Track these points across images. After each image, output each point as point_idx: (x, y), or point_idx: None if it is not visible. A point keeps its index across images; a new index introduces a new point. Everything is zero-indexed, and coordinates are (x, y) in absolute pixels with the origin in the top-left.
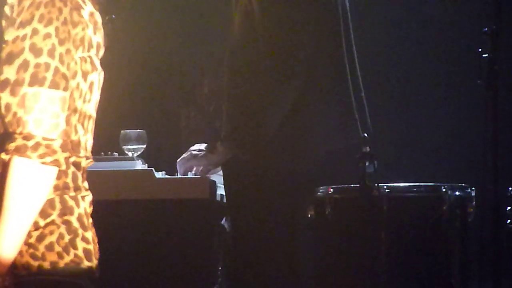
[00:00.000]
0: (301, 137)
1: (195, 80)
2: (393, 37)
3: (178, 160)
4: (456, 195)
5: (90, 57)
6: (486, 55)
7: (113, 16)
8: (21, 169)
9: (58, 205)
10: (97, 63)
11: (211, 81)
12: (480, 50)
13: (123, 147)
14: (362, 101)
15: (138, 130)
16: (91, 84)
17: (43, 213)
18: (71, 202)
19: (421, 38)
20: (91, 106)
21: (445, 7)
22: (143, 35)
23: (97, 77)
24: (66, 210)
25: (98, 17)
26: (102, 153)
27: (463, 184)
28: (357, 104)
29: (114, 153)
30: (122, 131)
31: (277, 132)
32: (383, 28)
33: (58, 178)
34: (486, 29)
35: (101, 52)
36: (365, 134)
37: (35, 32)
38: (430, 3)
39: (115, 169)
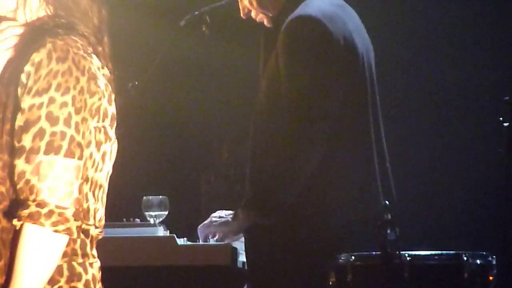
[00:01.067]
0: (322, 204)
1: (215, 145)
2: (414, 106)
3: (199, 227)
4: (477, 263)
5: (104, 127)
6: (507, 124)
7: (136, 82)
8: (33, 236)
9: (66, 272)
10: (111, 133)
11: (231, 146)
12: (501, 118)
13: (145, 213)
14: (387, 171)
15: (160, 196)
16: (104, 154)
17: (51, 280)
18: (79, 269)
19: (443, 105)
20: (102, 176)
21: (466, 75)
22: (163, 101)
23: (110, 147)
24: (73, 277)
25: (111, 88)
26: (124, 219)
27: (484, 253)
28: (381, 173)
29: (136, 219)
30: (144, 197)
31: (299, 199)
32: (399, 97)
33: (67, 245)
34: (507, 97)
35: (115, 122)
36: (387, 202)
37: (51, 100)
38: (451, 69)
39: (137, 235)
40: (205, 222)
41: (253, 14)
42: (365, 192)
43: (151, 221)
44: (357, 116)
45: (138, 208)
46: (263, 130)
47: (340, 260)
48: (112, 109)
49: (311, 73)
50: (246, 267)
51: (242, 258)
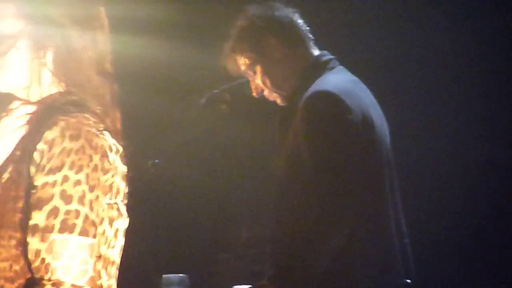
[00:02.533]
0: (343, 281)
1: (234, 225)
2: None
3: None
4: None
5: (116, 203)
6: None
7: (156, 160)
8: None
9: None
10: (123, 209)
11: (250, 226)
12: None
13: None
14: (405, 248)
15: (180, 274)
16: (117, 230)
17: None
18: None
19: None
20: (115, 252)
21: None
22: (182, 179)
23: (122, 223)
24: None
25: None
26: None
27: None
28: (401, 250)
29: None
30: (163, 275)
31: (321, 275)
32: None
33: None
34: None
35: (127, 199)
36: (408, 280)
37: (65, 179)
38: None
39: None
40: None
41: (266, 93)
42: (386, 271)
43: None
44: (375, 192)
45: (158, 286)
46: (285, 208)
47: None
48: (123, 186)
49: (334, 149)
50: None
51: None
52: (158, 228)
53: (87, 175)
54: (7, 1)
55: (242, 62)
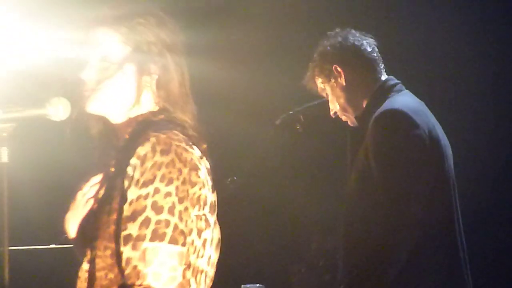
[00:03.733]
0: (421, 269)
1: (305, 236)
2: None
3: None
4: None
5: (204, 215)
6: None
7: (235, 177)
8: None
9: None
10: (211, 220)
11: (320, 237)
12: None
13: None
14: (465, 261)
15: (258, 284)
16: (205, 241)
17: None
18: None
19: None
20: (203, 262)
21: None
22: (259, 195)
23: (210, 234)
24: None
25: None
26: None
27: None
28: (464, 261)
29: None
30: (242, 285)
31: (392, 283)
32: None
33: None
34: None
35: (215, 209)
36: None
37: (156, 191)
38: None
39: None
40: None
41: (339, 113)
42: (453, 281)
43: None
44: (442, 204)
45: None
46: (355, 219)
47: None
48: (212, 197)
49: (403, 162)
50: None
51: None
52: (236, 241)
53: (177, 188)
54: (115, 30)
55: (319, 85)
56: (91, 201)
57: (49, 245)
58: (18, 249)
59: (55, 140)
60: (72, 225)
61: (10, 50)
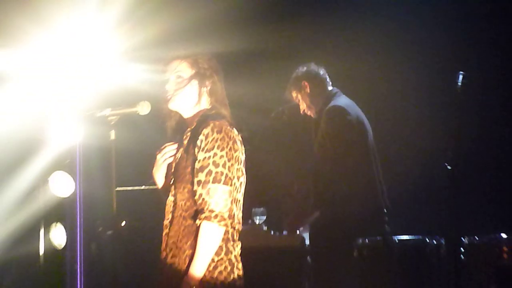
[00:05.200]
0: (358, 206)
1: (289, 181)
2: None
3: (286, 223)
4: (435, 243)
5: (240, 169)
6: None
7: (248, 147)
8: (208, 228)
9: (224, 249)
10: (244, 171)
11: (299, 181)
12: None
13: (254, 217)
14: (383, 191)
15: (261, 209)
16: (241, 183)
17: (216, 253)
18: (231, 248)
19: None
20: (240, 195)
21: None
22: (262, 160)
23: (244, 179)
24: (228, 252)
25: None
26: (250, 221)
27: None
28: (381, 191)
29: (250, 221)
30: (253, 209)
31: (342, 204)
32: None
33: (224, 234)
34: None
35: (245, 164)
36: (385, 210)
37: (215, 154)
38: None
39: (251, 229)
40: (289, 220)
41: (306, 110)
42: (374, 202)
43: (257, 221)
44: (367, 161)
45: (249, 212)
46: (319, 171)
47: (359, 242)
48: (243, 157)
49: (344, 138)
50: (307, 243)
51: (307, 241)
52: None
53: (226, 153)
54: (186, 61)
55: (294, 95)
56: (169, 160)
57: (141, 186)
58: (121, 189)
59: (141, 126)
60: (156, 174)
61: (115, 73)
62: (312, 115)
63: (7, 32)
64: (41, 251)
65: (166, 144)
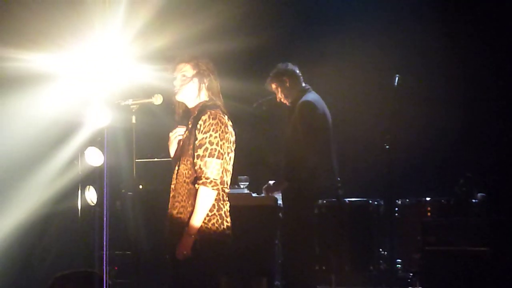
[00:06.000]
0: (313, 180)
1: (269, 156)
2: None
3: (263, 187)
4: (378, 204)
5: (230, 147)
6: None
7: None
8: (204, 192)
9: (216, 206)
10: (233, 148)
11: (274, 156)
12: None
13: (239, 182)
14: (337, 166)
15: (246, 176)
16: (230, 158)
17: (210, 210)
18: (221, 206)
19: None
20: (229, 167)
21: None
22: (248, 140)
23: (232, 154)
24: (219, 209)
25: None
26: (236, 186)
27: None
28: (336, 167)
29: (236, 185)
30: (238, 176)
31: (307, 174)
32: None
33: (217, 195)
34: None
35: (234, 143)
36: (339, 178)
37: (210, 135)
38: None
39: (236, 192)
40: (266, 186)
41: (282, 100)
42: (331, 175)
43: (241, 186)
44: (328, 142)
45: (236, 179)
46: (290, 149)
47: (319, 202)
48: (233, 138)
49: (311, 126)
50: (279, 202)
51: (279, 201)
52: (238, 157)
53: (219, 134)
54: (189, 63)
55: (274, 87)
56: (179, 137)
57: (155, 158)
58: (139, 161)
59: (156, 113)
60: (170, 148)
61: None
62: (287, 103)
63: (52, 40)
64: (79, 207)
65: (177, 126)
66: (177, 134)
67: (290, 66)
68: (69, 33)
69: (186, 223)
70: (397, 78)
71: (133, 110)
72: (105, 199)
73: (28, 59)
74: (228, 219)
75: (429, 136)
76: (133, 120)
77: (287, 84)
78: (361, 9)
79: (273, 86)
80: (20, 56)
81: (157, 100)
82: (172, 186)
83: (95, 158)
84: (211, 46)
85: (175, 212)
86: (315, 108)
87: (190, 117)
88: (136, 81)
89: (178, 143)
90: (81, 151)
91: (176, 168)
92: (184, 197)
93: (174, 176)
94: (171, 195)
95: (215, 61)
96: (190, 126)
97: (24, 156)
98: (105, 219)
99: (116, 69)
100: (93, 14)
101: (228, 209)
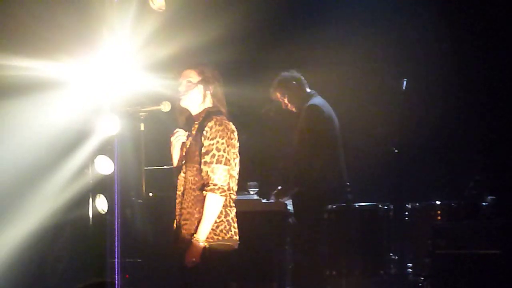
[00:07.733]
0: (327, 178)
1: (277, 160)
2: None
3: (273, 193)
4: (387, 208)
5: (235, 152)
6: None
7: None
8: (212, 198)
9: (224, 212)
10: (237, 153)
11: (283, 161)
12: None
13: (249, 189)
14: (346, 170)
15: (255, 182)
16: (236, 164)
17: (218, 216)
18: (228, 212)
19: None
20: (236, 173)
21: None
22: (255, 142)
23: (238, 160)
24: (227, 215)
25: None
26: (245, 192)
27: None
28: (345, 172)
29: (245, 192)
30: (248, 182)
31: (315, 177)
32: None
33: (224, 201)
34: None
35: (238, 148)
36: (348, 183)
37: (217, 142)
38: None
39: (246, 198)
40: (275, 191)
41: (289, 107)
42: (338, 177)
43: (251, 192)
44: (335, 147)
45: (245, 185)
46: (299, 154)
47: (328, 207)
48: (238, 144)
49: (318, 130)
50: (289, 207)
51: (289, 207)
52: (244, 162)
53: (226, 140)
54: (195, 70)
55: (279, 96)
56: (182, 140)
57: (163, 166)
58: (148, 168)
59: (162, 119)
60: (172, 152)
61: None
62: (293, 110)
63: (61, 49)
64: (90, 215)
65: (177, 129)
66: (179, 138)
67: (295, 73)
68: (78, 41)
69: (194, 230)
70: (405, 82)
71: (142, 118)
72: (116, 207)
73: (37, 68)
74: (235, 225)
75: (438, 140)
76: (142, 128)
77: (293, 91)
78: (368, 13)
79: (278, 94)
80: (29, 64)
81: (166, 107)
82: (179, 192)
83: (105, 167)
84: (218, 55)
85: (182, 219)
86: (321, 112)
87: (193, 123)
88: (145, 89)
89: (181, 151)
90: (91, 160)
91: (182, 174)
92: (191, 204)
93: (180, 183)
94: (177, 201)
95: (221, 69)
96: (194, 132)
97: (34, 165)
98: (116, 227)
99: (126, 78)
100: (103, 23)
101: (235, 214)
